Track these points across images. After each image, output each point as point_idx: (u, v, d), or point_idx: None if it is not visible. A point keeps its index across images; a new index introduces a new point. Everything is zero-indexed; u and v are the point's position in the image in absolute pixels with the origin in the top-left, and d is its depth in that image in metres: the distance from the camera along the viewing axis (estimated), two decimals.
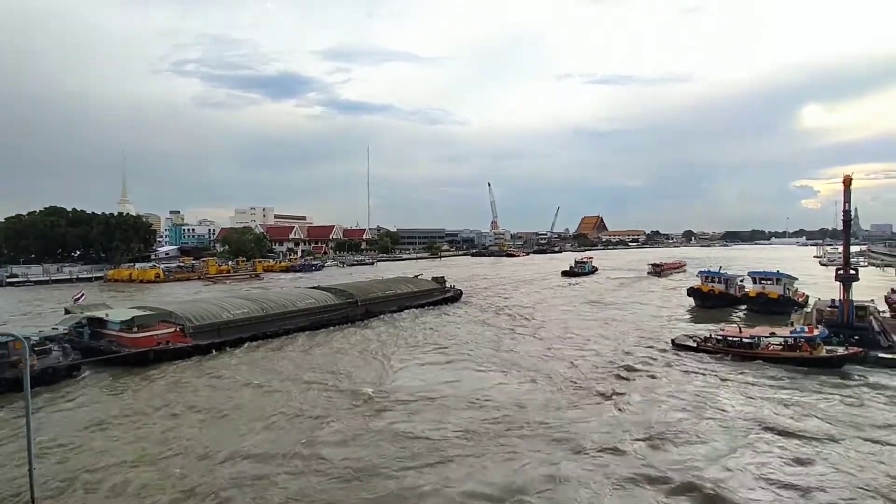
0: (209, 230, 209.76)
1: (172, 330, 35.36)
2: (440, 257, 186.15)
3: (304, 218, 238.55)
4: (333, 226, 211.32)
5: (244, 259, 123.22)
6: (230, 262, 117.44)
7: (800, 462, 19.08)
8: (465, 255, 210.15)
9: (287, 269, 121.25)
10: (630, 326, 46.63)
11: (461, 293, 67.26)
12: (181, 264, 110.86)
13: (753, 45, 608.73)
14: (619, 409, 24.64)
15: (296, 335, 41.23)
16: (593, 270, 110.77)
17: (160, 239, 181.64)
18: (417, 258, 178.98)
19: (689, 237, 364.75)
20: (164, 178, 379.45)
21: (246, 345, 37.47)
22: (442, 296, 63.54)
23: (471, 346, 39.16)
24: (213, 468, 18.72)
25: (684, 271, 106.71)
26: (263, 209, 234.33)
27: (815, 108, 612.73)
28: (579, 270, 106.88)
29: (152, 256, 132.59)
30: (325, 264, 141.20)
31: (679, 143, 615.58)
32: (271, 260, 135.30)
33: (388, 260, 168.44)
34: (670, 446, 20.48)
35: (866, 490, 16.96)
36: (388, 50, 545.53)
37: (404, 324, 48.72)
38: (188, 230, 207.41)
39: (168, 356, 33.06)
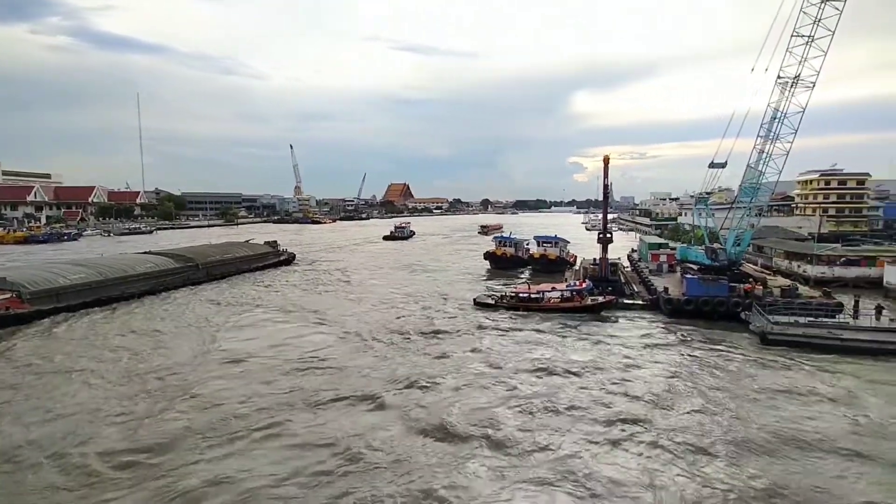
0: None
1: (8, 296, 34.62)
2: (237, 224, 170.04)
3: (48, 176, 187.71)
4: (94, 187, 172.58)
5: None
6: None
7: (559, 387, 22.61)
8: (265, 221, 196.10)
9: (25, 240, 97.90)
10: (439, 287, 50.14)
11: (294, 256, 70.64)
12: None
13: (538, 32, 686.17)
14: (416, 361, 26.25)
15: (137, 299, 41.66)
16: (412, 234, 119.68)
17: None
18: (209, 225, 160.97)
19: (486, 205, 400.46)
20: None
21: (87, 310, 37.22)
22: (276, 259, 66.71)
23: (301, 307, 40.20)
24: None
25: (502, 231, 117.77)
26: None
27: (584, 95, 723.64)
28: (399, 235, 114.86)
29: None
30: (84, 233, 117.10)
31: (479, 117, 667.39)
32: None
33: (171, 228, 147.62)
34: (447, 391, 22.41)
35: (593, 405, 20.78)
36: None
37: (243, 286, 50.01)
38: None
39: (10, 322, 32.51)
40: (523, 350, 28.70)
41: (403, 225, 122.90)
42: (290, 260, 68.66)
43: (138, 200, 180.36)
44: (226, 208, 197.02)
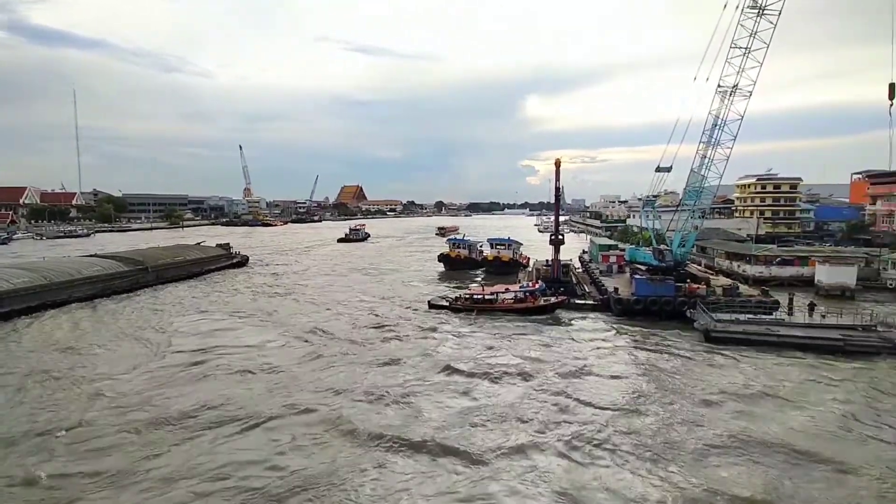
0: None
1: None
2: (182, 227, 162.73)
3: None
4: (25, 188, 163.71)
5: None
6: None
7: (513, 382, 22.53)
8: (212, 224, 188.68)
9: None
10: (394, 289, 49.70)
11: (247, 259, 69.84)
12: None
13: (492, 38, 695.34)
14: (369, 366, 25.74)
15: (84, 304, 40.40)
16: (367, 237, 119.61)
17: None
18: (152, 228, 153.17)
19: (439, 207, 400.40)
20: None
21: (31, 315, 35.99)
22: (229, 261, 65.97)
23: (253, 311, 39.19)
24: None
25: (458, 232, 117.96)
26: None
27: (537, 99, 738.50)
28: (354, 237, 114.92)
29: None
30: (14, 236, 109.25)
31: (433, 120, 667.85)
32: None
33: (110, 231, 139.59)
34: (399, 398, 21.94)
35: (536, 401, 20.89)
36: None
37: (195, 290, 49.06)
38: None
39: None
40: (477, 352, 28.53)
41: (358, 227, 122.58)
42: (243, 263, 67.92)
43: (74, 202, 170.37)
44: (170, 210, 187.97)
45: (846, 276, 46.12)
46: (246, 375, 24.65)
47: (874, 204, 78.96)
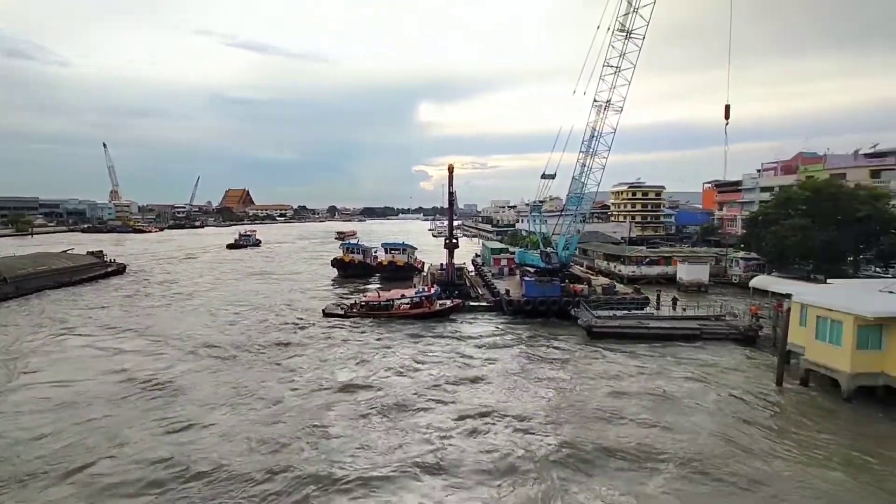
0: None
1: None
2: (32, 234, 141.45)
3: None
4: None
5: None
6: None
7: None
8: (71, 230, 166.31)
9: None
10: (287, 298, 47.58)
11: (125, 267, 65.46)
12: None
13: (385, 41, 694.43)
14: (257, 383, 24.15)
15: None
16: (258, 243, 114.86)
17: None
18: None
19: (333, 212, 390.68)
20: None
21: None
22: (104, 270, 61.66)
23: (128, 325, 35.89)
24: None
25: (357, 237, 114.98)
26: None
27: (430, 105, 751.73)
28: (244, 243, 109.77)
29: None
30: None
31: (325, 122, 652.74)
32: None
33: None
34: (287, 418, 21.02)
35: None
36: None
37: (62, 302, 44.50)
38: None
39: None
40: (372, 362, 27.94)
41: (249, 233, 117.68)
42: (120, 271, 63.24)
43: None
44: (17, 215, 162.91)
45: (701, 273, 52.42)
46: (118, 397, 22.21)
47: (721, 210, 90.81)
